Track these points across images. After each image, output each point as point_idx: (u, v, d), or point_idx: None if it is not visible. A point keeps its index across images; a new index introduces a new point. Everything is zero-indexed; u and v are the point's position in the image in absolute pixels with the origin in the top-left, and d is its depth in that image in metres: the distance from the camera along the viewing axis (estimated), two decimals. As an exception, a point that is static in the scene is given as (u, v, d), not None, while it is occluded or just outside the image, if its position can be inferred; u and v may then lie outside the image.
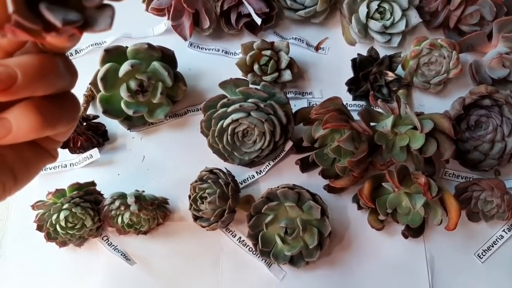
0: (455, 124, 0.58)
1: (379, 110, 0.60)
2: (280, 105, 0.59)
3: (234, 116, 0.57)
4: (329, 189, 0.61)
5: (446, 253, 0.60)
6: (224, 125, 0.57)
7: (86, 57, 0.67)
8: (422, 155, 0.56)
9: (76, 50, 0.67)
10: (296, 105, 0.65)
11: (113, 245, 0.58)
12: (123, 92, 0.58)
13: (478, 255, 0.60)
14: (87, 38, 0.68)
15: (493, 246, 0.60)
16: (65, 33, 0.20)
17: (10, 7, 0.18)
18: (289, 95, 0.66)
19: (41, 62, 0.22)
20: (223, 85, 0.59)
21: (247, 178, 0.62)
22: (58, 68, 0.23)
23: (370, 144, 0.57)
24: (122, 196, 0.56)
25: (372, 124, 0.58)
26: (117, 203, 0.55)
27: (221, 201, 0.55)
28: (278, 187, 0.56)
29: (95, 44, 0.68)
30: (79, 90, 0.63)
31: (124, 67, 0.57)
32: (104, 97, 0.59)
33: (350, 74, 0.66)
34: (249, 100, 0.57)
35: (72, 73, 0.24)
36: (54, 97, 0.24)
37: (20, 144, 0.27)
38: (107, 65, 0.57)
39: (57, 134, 0.27)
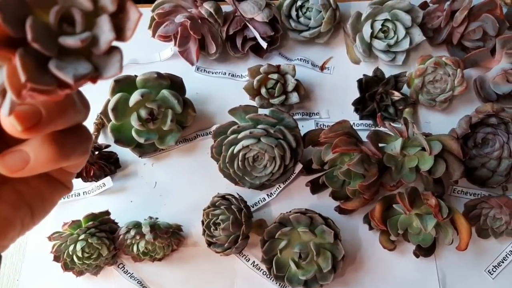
0: (463, 145, 0.59)
1: (387, 131, 0.61)
2: (289, 129, 0.59)
3: (245, 142, 0.57)
4: (340, 210, 0.61)
5: (457, 270, 0.60)
6: (234, 151, 0.58)
7: (94, 85, 0.68)
8: (431, 175, 0.57)
9: (84, 78, 0.68)
10: (303, 125, 0.66)
11: (129, 273, 0.59)
12: (134, 121, 0.59)
13: (488, 271, 0.60)
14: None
15: (503, 262, 0.61)
16: (78, 86, 0.20)
17: (23, 76, 0.18)
18: (296, 116, 0.67)
19: (62, 99, 0.23)
20: (232, 111, 0.60)
21: (258, 201, 0.63)
22: (75, 104, 0.24)
23: (379, 166, 0.58)
24: (137, 225, 0.57)
25: (380, 145, 0.59)
26: (132, 232, 0.56)
27: (234, 228, 0.55)
28: (290, 211, 0.57)
29: (103, 71, 0.68)
30: (89, 119, 0.64)
31: (135, 97, 0.58)
32: (115, 126, 0.60)
33: (355, 92, 0.67)
34: (259, 126, 0.58)
35: (86, 107, 0.25)
36: (68, 129, 0.24)
37: (35, 180, 0.28)
38: (118, 95, 0.58)
39: (71, 166, 0.28)
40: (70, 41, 0.19)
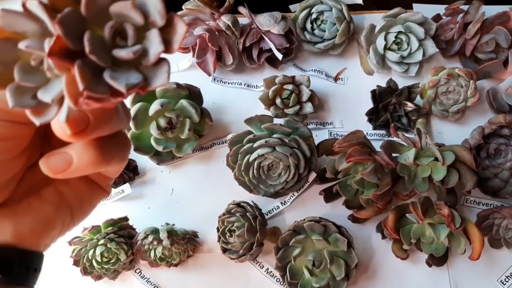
0: (476, 156, 0.59)
1: (400, 141, 0.62)
2: (303, 138, 0.61)
3: (260, 151, 0.59)
4: (353, 219, 0.62)
5: (469, 280, 0.61)
6: (250, 160, 0.60)
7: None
8: (444, 185, 0.58)
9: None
10: (317, 135, 0.67)
11: (146, 278, 0.61)
12: (153, 130, 0.61)
13: (501, 281, 0.61)
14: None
15: (516, 273, 0.61)
16: (129, 95, 0.22)
17: (81, 85, 0.20)
18: (310, 126, 0.69)
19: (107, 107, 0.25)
20: (248, 121, 0.61)
21: (272, 209, 0.64)
22: (119, 112, 0.26)
23: (392, 175, 0.59)
24: (155, 231, 0.58)
25: (394, 155, 0.60)
26: (150, 238, 0.57)
27: (249, 235, 0.57)
28: (304, 220, 0.58)
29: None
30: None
31: (154, 106, 0.59)
32: (135, 135, 0.62)
33: (369, 103, 0.68)
34: (274, 136, 0.60)
35: (128, 116, 0.27)
36: (110, 136, 0.26)
37: (76, 182, 0.30)
38: (138, 105, 0.60)
39: (109, 171, 0.30)
40: (123, 53, 0.21)
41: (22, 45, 0.21)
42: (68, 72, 0.21)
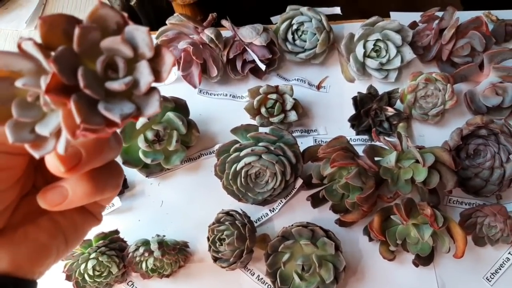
0: (455, 156, 0.61)
1: (382, 145, 0.63)
2: (288, 146, 0.62)
3: (247, 159, 0.60)
4: (340, 223, 0.64)
5: (456, 278, 0.62)
6: (237, 168, 0.61)
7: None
8: (426, 186, 0.60)
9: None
10: (302, 142, 0.69)
11: (138, 290, 0.61)
12: (141, 143, 0.62)
13: (487, 278, 0.62)
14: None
15: (500, 269, 0.63)
16: (123, 124, 0.23)
17: (78, 119, 0.21)
18: (295, 134, 0.70)
19: (99, 140, 0.26)
20: (234, 130, 0.63)
21: (261, 217, 0.66)
22: (111, 143, 0.26)
23: (376, 179, 0.60)
24: (146, 243, 0.59)
25: (376, 159, 0.62)
26: (141, 249, 0.58)
27: (239, 242, 0.58)
28: (292, 225, 0.59)
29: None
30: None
31: (141, 120, 0.61)
32: (123, 148, 0.63)
33: (351, 109, 0.70)
34: (260, 144, 0.61)
35: (120, 143, 0.28)
36: (103, 166, 0.27)
37: (70, 211, 0.30)
38: (125, 119, 0.61)
39: (103, 199, 0.31)
40: (116, 86, 0.22)
41: (19, 83, 0.22)
42: (64, 106, 0.22)
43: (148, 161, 0.63)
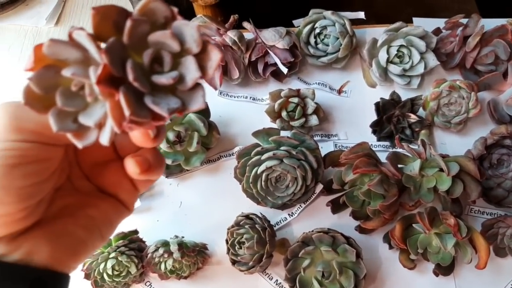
0: (480, 166, 0.60)
1: (405, 152, 0.63)
2: (310, 150, 0.62)
3: (268, 163, 0.60)
4: (361, 230, 0.63)
5: (476, 289, 0.61)
6: (258, 172, 0.60)
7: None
8: (449, 196, 0.59)
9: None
10: (323, 147, 0.68)
11: (156, 291, 0.61)
12: (162, 144, 0.62)
13: (507, 290, 0.61)
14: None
15: (522, 281, 0.62)
16: (168, 118, 0.23)
17: (127, 111, 0.21)
18: (315, 138, 0.70)
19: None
20: (256, 134, 0.62)
21: (280, 221, 0.65)
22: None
23: (398, 186, 0.60)
24: (165, 244, 0.59)
25: (399, 166, 0.61)
26: (160, 250, 0.58)
27: (259, 246, 0.57)
28: (312, 231, 0.59)
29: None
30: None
31: (163, 120, 0.60)
32: (144, 148, 0.62)
33: (372, 115, 0.69)
34: (282, 148, 0.61)
35: (162, 139, 0.30)
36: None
37: (105, 205, 0.31)
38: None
39: (143, 184, 0.33)
40: (163, 80, 0.22)
41: (67, 73, 0.22)
42: (111, 98, 0.22)
43: (168, 161, 0.63)
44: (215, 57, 0.23)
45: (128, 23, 0.22)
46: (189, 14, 0.81)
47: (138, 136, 0.27)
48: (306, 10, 0.75)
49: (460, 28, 0.73)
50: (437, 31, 0.76)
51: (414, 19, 0.79)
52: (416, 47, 0.71)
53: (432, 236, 0.59)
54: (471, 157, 0.61)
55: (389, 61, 0.71)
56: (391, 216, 0.60)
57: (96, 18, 0.22)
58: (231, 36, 0.67)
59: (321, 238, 0.57)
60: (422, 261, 0.62)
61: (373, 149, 0.64)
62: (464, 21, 0.74)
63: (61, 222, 0.29)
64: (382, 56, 0.71)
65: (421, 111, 0.70)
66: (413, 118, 0.67)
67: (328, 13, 0.71)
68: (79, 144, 0.23)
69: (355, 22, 0.75)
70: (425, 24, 0.75)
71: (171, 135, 0.62)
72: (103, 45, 0.22)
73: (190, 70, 0.23)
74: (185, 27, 0.23)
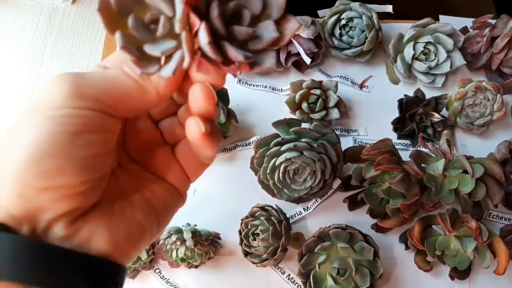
0: (504, 170, 0.59)
1: (427, 151, 0.61)
2: (331, 144, 0.60)
3: (287, 154, 0.58)
4: (377, 228, 0.62)
5: (491, 295, 0.60)
6: (276, 163, 0.59)
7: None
8: (471, 198, 0.58)
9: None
10: (342, 142, 0.67)
11: (165, 278, 0.60)
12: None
13: (523, 298, 0.60)
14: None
15: (538, 290, 0.60)
16: (240, 68, 0.23)
17: (206, 38, 0.21)
18: (334, 132, 0.68)
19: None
20: (276, 124, 0.61)
21: (294, 215, 0.64)
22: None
23: (419, 185, 0.58)
24: (178, 231, 0.57)
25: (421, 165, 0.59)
26: (173, 237, 0.56)
27: (274, 239, 0.56)
28: (329, 226, 0.57)
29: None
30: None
31: (182, 105, 0.59)
32: (160, 132, 0.61)
33: (393, 112, 0.68)
34: (302, 140, 0.59)
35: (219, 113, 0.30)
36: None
37: (161, 190, 0.30)
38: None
39: (193, 170, 0.32)
40: (243, 30, 0.23)
41: None
42: (188, 31, 0.22)
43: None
44: (292, 25, 0.23)
45: None
46: None
47: (200, 91, 0.25)
48: (332, 0, 0.73)
49: (488, 28, 0.71)
50: (464, 30, 0.74)
51: (441, 16, 0.77)
52: (443, 44, 0.69)
53: (451, 238, 0.57)
54: (496, 160, 0.60)
55: (414, 57, 0.69)
56: (410, 216, 0.58)
57: None
58: (255, 22, 0.65)
59: (338, 234, 0.56)
60: (437, 264, 0.61)
61: (394, 146, 0.63)
62: (493, 21, 0.72)
63: (118, 206, 0.27)
64: (408, 52, 0.69)
65: (444, 111, 0.68)
66: (436, 117, 0.66)
67: (355, 5, 0.69)
68: (138, 71, 0.23)
69: (380, 16, 0.73)
70: (451, 22, 0.73)
71: (189, 120, 0.60)
72: None
73: (269, 30, 0.23)
74: None
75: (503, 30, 0.70)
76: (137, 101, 0.26)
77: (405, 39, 0.70)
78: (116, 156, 0.29)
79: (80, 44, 0.85)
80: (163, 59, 0.23)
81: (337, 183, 0.63)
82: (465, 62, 0.70)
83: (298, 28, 0.23)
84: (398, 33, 0.70)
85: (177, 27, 0.22)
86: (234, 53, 0.22)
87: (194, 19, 0.21)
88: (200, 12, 0.22)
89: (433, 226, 0.58)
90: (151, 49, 0.23)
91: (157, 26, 0.23)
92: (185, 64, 0.22)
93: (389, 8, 0.71)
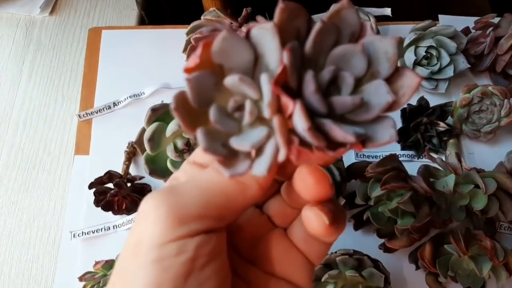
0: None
1: (434, 164, 0.58)
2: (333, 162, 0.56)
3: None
4: (385, 249, 0.58)
5: (507, 313, 0.57)
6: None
7: (125, 110, 0.65)
8: (484, 215, 0.54)
9: (114, 103, 0.65)
10: (343, 156, 0.63)
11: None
12: (169, 152, 0.56)
13: (539, 314, 0.57)
14: (125, 90, 0.66)
15: (555, 305, 0.58)
16: (349, 149, 0.19)
17: (304, 123, 0.17)
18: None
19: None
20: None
21: (297, 236, 0.60)
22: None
23: (428, 203, 0.55)
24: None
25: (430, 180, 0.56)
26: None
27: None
28: (336, 252, 0.54)
29: (134, 95, 0.65)
30: (120, 146, 0.61)
31: (171, 126, 0.55)
32: (150, 157, 0.57)
33: (396, 122, 0.64)
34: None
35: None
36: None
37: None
38: (154, 125, 0.55)
39: (316, 253, 0.27)
40: (347, 101, 0.18)
41: (232, 80, 0.19)
42: (280, 114, 0.18)
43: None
44: (411, 81, 0.19)
45: (317, 27, 0.18)
46: (196, 5, 0.75)
47: (310, 177, 0.22)
48: (327, 3, 0.68)
49: (491, 28, 0.68)
50: (466, 31, 0.70)
51: (440, 16, 0.74)
52: (446, 48, 0.66)
53: (465, 258, 0.54)
54: (506, 172, 0.57)
55: (416, 62, 0.66)
56: (421, 237, 0.55)
57: (283, 15, 0.18)
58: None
59: (346, 261, 0.52)
60: (449, 283, 0.57)
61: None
62: (495, 20, 0.68)
63: None
64: (409, 57, 0.65)
65: (448, 119, 0.65)
66: (442, 126, 0.62)
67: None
68: (226, 173, 0.19)
69: (378, 19, 0.70)
70: (452, 22, 0.70)
71: (179, 143, 0.56)
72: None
73: (379, 93, 0.19)
74: (379, 42, 0.19)
75: (507, 30, 0.66)
76: (240, 201, 0.22)
77: (405, 44, 0.66)
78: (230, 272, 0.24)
79: (60, 57, 0.80)
80: (253, 152, 0.20)
81: (341, 201, 0.59)
82: (469, 66, 0.66)
83: (419, 83, 0.18)
84: (397, 37, 0.66)
85: (267, 112, 0.18)
86: (341, 134, 0.18)
87: (286, 100, 0.17)
88: (292, 90, 0.18)
89: (445, 247, 0.55)
90: (239, 143, 0.19)
91: (242, 113, 0.20)
92: (281, 157, 0.18)
93: (387, 11, 0.67)
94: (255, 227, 0.27)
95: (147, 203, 0.22)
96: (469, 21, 0.71)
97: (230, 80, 0.19)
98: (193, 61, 0.20)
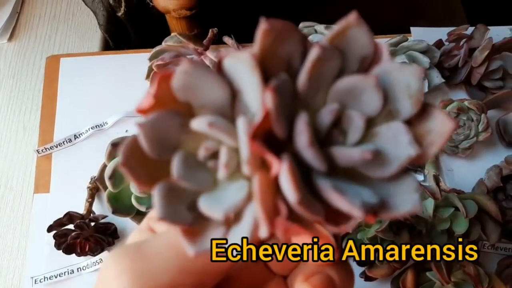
0: (499, 204, 0.54)
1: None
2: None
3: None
4: (366, 277, 0.56)
5: (495, 338, 0.55)
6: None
7: (87, 142, 0.61)
8: (466, 239, 0.52)
9: (75, 135, 0.61)
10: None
11: None
12: (133, 188, 0.53)
13: (528, 336, 0.55)
14: (86, 121, 0.62)
15: (544, 326, 0.56)
16: (356, 220, 0.14)
17: (294, 195, 0.13)
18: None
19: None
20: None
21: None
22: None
23: (408, 229, 0.53)
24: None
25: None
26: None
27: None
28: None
29: (96, 126, 0.62)
30: (83, 182, 0.58)
31: (134, 162, 0.51)
32: (112, 195, 0.53)
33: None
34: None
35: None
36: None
37: None
38: (115, 161, 0.52)
39: None
40: (354, 154, 0.13)
41: (201, 124, 0.14)
42: (262, 172, 0.13)
43: (142, 208, 0.54)
44: (441, 127, 0.14)
45: (314, 54, 0.14)
46: (162, 26, 0.72)
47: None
48: (295, 22, 0.66)
49: (464, 40, 0.66)
50: (439, 44, 0.68)
51: (412, 29, 0.72)
52: (418, 63, 0.64)
53: (448, 286, 0.52)
54: (486, 192, 0.55)
55: (389, 80, 0.64)
56: (402, 266, 0.53)
57: (267, 39, 0.14)
58: (211, 57, 0.58)
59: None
60: (434, 309, 0.55)
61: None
62: (469, 31, 0.67)
63: None
64: (382, 74, 0.63)
65: (425, 135, 0.63)
66: (419, 145, 0.60)
67: (321, 27, 0.63)
68: (191, 250, 0.14)
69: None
70: (424, 34, 0.68)
71: (144, 178, 0.53)
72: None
73: (399, 142, 0.14)
74: (398, 72, 0.15)
75: (481, 41, 0.65)
76: (223, 263, 0.18)
77: (377, 61, 0.64)
78: None
79: (20, 86, 0.76)
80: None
81: (317, 230, 0.56)
82: (443, 81, 0.64)
83: (453, 129, 0.14)
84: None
85: (245, 169, 0.14)
86: (345, 204, 0.13)
87: (270, 157, 0.13)
88: (278, 142, 0.14)
89: (427, 274, 0.52)
90: (209, 207, 0.14)
91: (217, 162, 0.15)
92: (262, 233, 0.14)
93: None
94: (251, 276, 0.23)
95: (107, 269, 0.18)
96: (442, 32, 0.70)
97: (197, 125, 0.15)
98: (147, 101, 0.15)
